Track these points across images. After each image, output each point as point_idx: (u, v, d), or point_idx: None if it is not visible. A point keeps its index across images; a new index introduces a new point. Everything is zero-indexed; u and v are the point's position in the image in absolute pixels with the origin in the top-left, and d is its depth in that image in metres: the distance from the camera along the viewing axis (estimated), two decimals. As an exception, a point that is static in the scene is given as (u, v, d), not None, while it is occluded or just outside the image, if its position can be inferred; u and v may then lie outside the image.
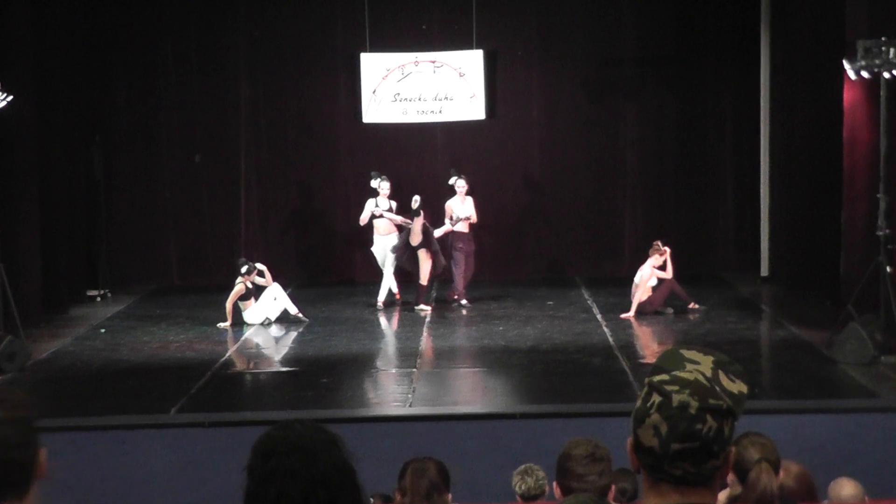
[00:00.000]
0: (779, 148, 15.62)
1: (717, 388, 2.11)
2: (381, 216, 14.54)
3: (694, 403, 2.09)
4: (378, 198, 14.60)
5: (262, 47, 16.62)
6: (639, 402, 2.15)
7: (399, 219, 14.52)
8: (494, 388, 10.80)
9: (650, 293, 13.65)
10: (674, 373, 2.14)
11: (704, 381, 2.12)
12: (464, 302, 14.54)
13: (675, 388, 2.11)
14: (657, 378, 2.14)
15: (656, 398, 2.12)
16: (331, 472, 2.38)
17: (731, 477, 4.22)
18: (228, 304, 13.50)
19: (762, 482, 4.17)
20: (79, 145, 15.50)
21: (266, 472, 2.37)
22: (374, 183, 14.62)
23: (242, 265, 13.67)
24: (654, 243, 13.82)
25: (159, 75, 16.59)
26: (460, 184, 14.60)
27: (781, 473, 4.37)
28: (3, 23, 13.20)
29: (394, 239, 14.46)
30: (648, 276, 13.65)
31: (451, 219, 14.48)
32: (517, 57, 16.68)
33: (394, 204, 14.65)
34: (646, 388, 2.15)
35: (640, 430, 2.13)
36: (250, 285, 13.66)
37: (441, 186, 15.25)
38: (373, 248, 14.79)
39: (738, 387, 2.14)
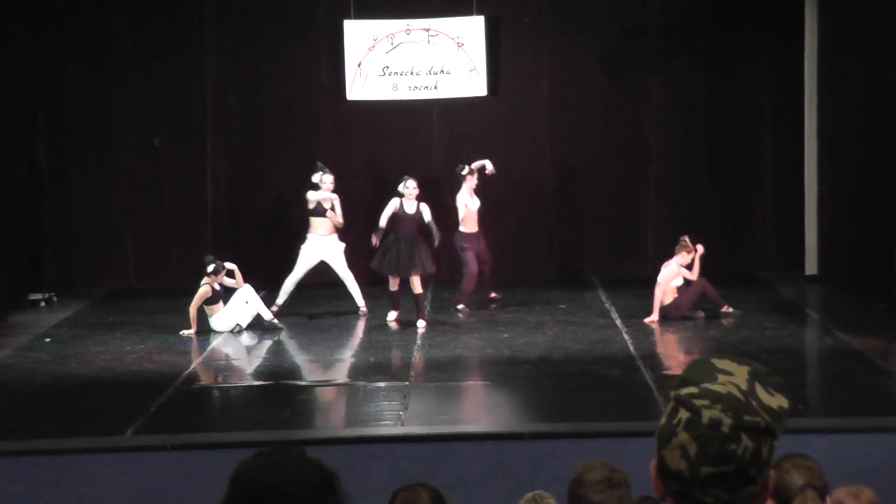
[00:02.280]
0: (827, 130, 15.62)
1: (754, 403, 2.12)
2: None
3: (727, 420, 2.10)
4: (318, 192, 14.27)
5: (232, 15, 16.62)
6: (664, 420, 2.16)
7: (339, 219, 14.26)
8: (499, 404, 10.82)
9: (675, 294, 13.66)
10: (704, 385, 2.14)
11: (739, 395, 2.12)
12: (460, 306, 14.49)
13: (706, 402, 2.11)
14: (685, 391, 2.15)
15: (684, 414, 2.12)
16: None
17: (770, 505, 4.21)
18: (193, 309, 13.51)
19: (807, 512, 4.16)
20: (19, 128, 15.49)
21: None
22: (315, 177, 14.31)
23: (209, 264, 13.66)
24: (682, 239, 13.84)
25: (113, 47, 16.58)
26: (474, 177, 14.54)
27: (850, 500, 4.37)
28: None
29: (335, 242, 14.27)
30: (673, 274, 13.66)
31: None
32: (524, 25, 16.69)
33: (336, 199, 14.36)
34: (672, 404, 2.16)
35: (666, 452, 2.14)
36: (218, 287, 13.66)
37: (437, 174, 15.24)
38: (303, 247, 14.41)
39: (777, 401, 2.14)
